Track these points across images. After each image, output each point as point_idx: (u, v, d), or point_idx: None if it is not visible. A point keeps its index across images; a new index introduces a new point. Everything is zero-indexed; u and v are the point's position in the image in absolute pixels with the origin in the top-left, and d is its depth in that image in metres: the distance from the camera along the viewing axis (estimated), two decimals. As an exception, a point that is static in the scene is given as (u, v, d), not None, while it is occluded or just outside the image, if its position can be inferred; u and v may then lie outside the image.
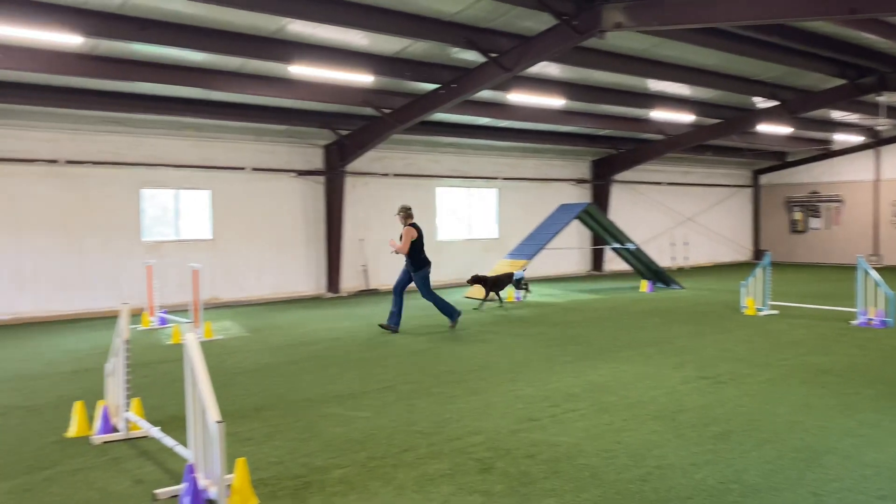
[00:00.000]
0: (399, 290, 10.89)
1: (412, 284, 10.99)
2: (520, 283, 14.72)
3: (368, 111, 14.86)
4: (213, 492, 4.14)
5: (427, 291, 10.89)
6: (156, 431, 5.24)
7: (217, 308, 14.49)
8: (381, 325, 11.00)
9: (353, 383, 7.44)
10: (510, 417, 6.02)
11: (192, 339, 4.37)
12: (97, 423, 5.63)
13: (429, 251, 17.76)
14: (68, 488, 4.55)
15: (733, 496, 4.25)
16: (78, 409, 5.80)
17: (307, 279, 16.68)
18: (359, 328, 11.35)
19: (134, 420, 5.55)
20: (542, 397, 6.68)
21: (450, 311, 11.05)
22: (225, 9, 9.65)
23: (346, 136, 15.88)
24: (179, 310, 13.63)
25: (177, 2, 9.55)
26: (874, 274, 10.72)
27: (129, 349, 5.56)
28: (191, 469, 4.15)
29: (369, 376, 7.77)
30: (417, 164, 18.50)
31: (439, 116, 16.04)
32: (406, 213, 11.06)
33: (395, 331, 10.71)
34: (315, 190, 16.72)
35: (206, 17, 10.17)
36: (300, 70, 11.81)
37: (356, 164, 16.85)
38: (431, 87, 13.59)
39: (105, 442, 5.49)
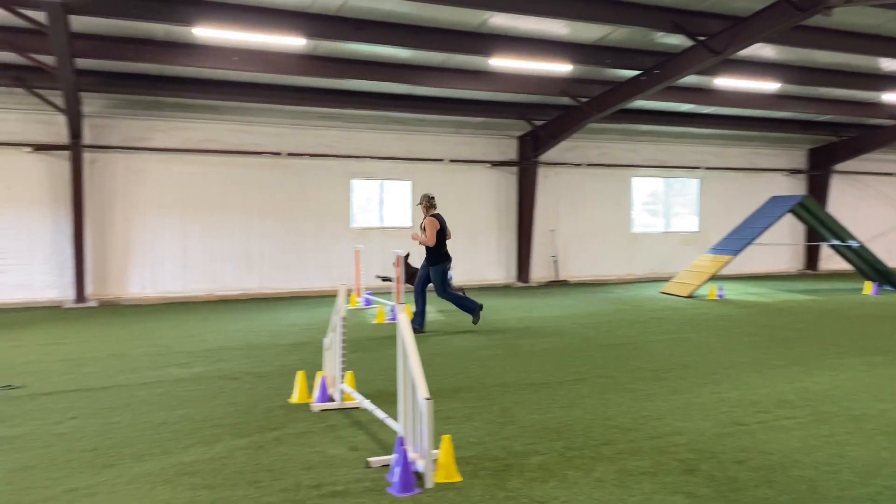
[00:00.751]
0: (421, 288, 10.03)
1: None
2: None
3: (564, 101, 14.77)
4: (420, 465, 4.38)
5: (442, 289, 9.85)
6: (368, 403, 5.64)
7: (412, 292, 15.18)
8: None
9: (546, 373, 7.48)
10: (714, 420, 5.72)
11: (404, 320, 4.64)
12: (316, 392, 6.17)
13: (622, 243, 17.23)
14: (293, 449, 5.03)
15: None
16: (300, 378, 6.40)
17: (497, 268, 16.98)
18: (549, 318, 11.37)
19: (348, 391, 6.01)
20: (750, 402, 6.27)
21: (470, 307, 10.01)
22: (433, 6, 10.06)
23: (540, 127, 15.91)
24: (382, 292, 14.50)
25: (390, 1, 10.10)
26: None
27: (345, 326, 6.02)
28: (401, 441, 4.42)
29: (561, 367, 7.76)
30: (612, 154, 18.07)
31: (638, 104, 15.53)
32: (429, 203, 10.02)
33: (421, 331, 9.88)
34: (508, 180, 16.95)
35: (415, 15, 10.67)
36: (500, 62, 12.01)
37: (549, 155, 16.84)
38: (632, 73, 13.20)
39: (323, 410, 6.00)
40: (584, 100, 14.25)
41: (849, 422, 5.67)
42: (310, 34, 10.60)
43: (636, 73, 13.03)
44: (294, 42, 10.80)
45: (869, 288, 14.90)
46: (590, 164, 17.78)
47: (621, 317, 11.56)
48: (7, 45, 10.50)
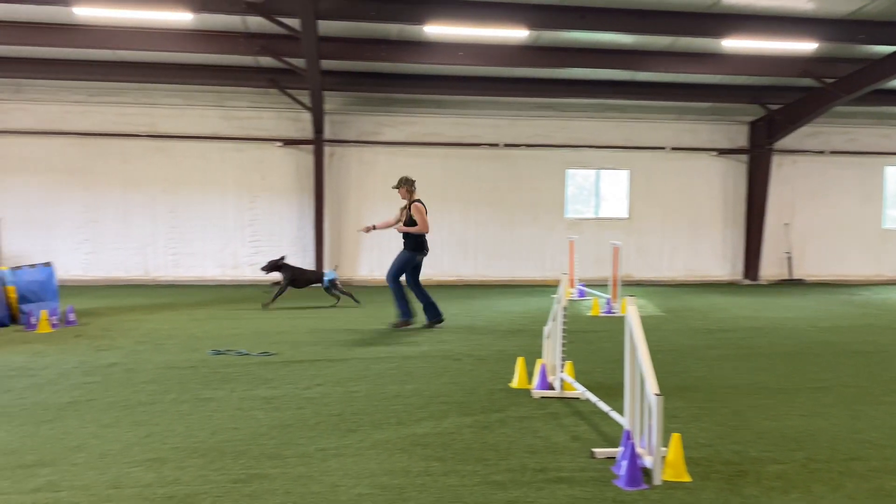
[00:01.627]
0: (416, 282, 9.37)
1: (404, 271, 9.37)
2: (331, 288, 11.36)
3: (806, 82, 13.48)
4: (647, 461, 4.27)
5: (396, 275, 9.16)
6: (590, 394, 5.61)
7: (629, 286, 14.82)
8: (428, 324, 9.46)
9: (782, 378, 6.92)
10: None
11: (633, 311, 4.54)
12: (535, 378, 6.26)
13: (871, 240, 15.46)
14: (516, 432, 5.16)
15: None
16: (520, 364, 6.53)
17: (722, 263, 15.98)
18: (782, 319, 10.49)
19: (568, 381, 6.03)
20: None
21: (405, 311, 9.30)
22: (660, -12, 9.69)
23: (776, 111, 14.67)
24: (594, 284, 14.32)
25: (615, -13, 9.90)
26: None
27: (566, 316, 6.03)
28: (628, 435, 4.34)
29: (799, 372, 7.13)
30: (861, 140, 16.18)
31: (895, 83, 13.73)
32: (411, 187, 9.22)
33: (440, 320, 9.40)
34: (736, 169, 15.86)
35: (641, 0, 10.34)
36: (732, 44, 11.26)
37: (785, 142, 15.48)
38: (889, 49, 11.68)
39: (542, 397, 6.07)
40: (830, 80, 12.88)
41: None
42: (533, 25, 10.71)
43: (895, 48, 11.51)
44: (517, 34, 10.98)
45: None
46: (833, 152, 16.07)
47: (870, 321, 10.36)
48: (266, 50, 11.83)
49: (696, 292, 13.96)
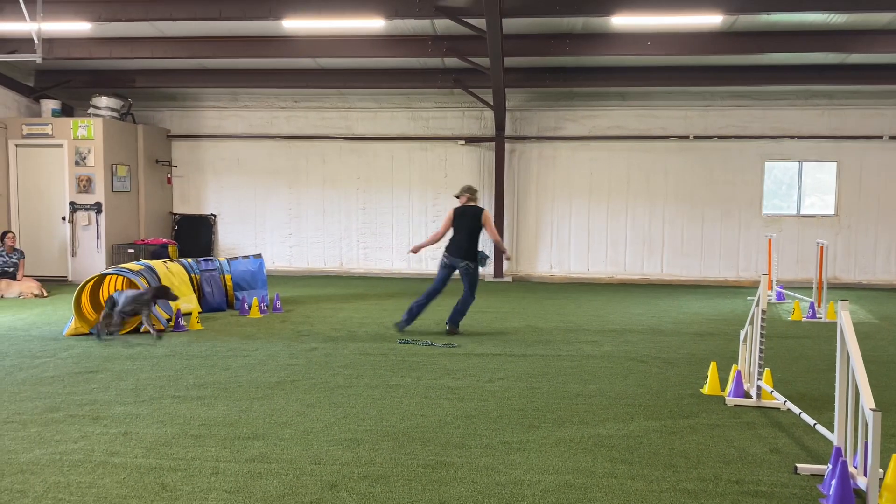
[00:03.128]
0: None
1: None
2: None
3: None
4: (861, 482, 3.88)
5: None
6: (792, 406, 5.20)
7: (836, 289, 13.49)
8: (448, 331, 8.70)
9: None
10: None
11: (846, 316, 4.14)
12: (730, 385, 5.90)
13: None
14: (708, 440, 4.90)
15: None
16: (712, 369, 6.19)
17: (952, 266, 14.05)
18: None
19: (767, 389, 5.62)
20: None
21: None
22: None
23: None
24: (796, 286, 13.21)
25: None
26: None
27: (766, 319, 5.62)
28: (839, 452, 3.97)
29: None
30: None
31: None
32: (473, 195, 8.88)
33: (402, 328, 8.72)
34: (972, 159, 13.85)
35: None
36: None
37: None
38: None
39: (737, 405, 5.71)
40: None
41: None
42: (728, 9, 10.06)
43: None
44: (710, 20, 10.37)
45: None
46: None
47: None
48: (452, 51, 12.16)
49: (918, 298, 12.40)
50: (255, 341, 8.19)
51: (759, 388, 5.69)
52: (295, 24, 11.13)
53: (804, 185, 14.53)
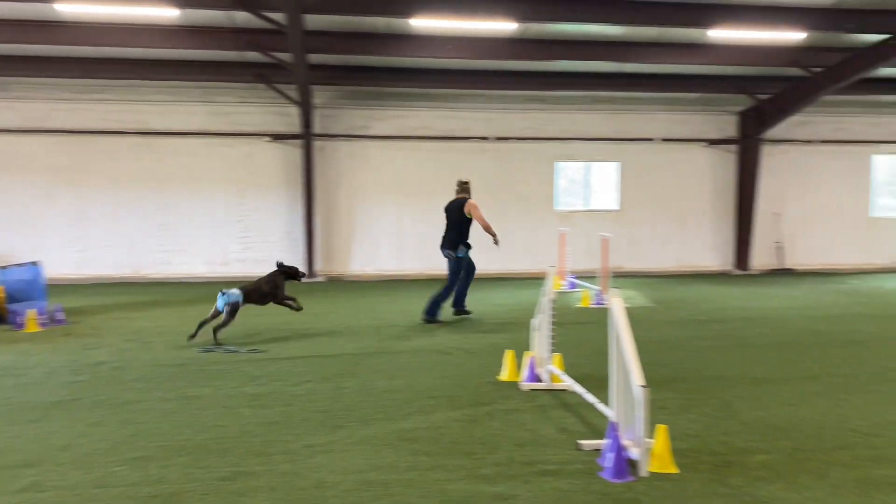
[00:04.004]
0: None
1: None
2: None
3: (794, 72, 13.48)
4: (634, 452, 4.28)
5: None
6: (577, 387, 5.62)
7: (621, 277, 14.84)
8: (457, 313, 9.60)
9: (770, 368, 6.94)
10: (981, 433, 4.96)
11: (618, 303, 4.54)
12: (524, 371, 6.26)
13: (859, 229, 15.52)
14: (504, 425, 5.16)
15: None
16: (508, 357, 6.53)
17: (712, 254, 16.02)
18: (772, 309, 10.52)
19: (556, 373, 6.03)
20: None
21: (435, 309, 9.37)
22: (647, -22, 9.66)
23: (765, 101, 14.68)
24: (586, 276, 14.33)
25: (602, -22, 9.87)
26: None
27: (555, 308, 6.03)
28: (614, 427, 4.35)
29: (788, 362, 7.16)
30: (850, 129, 16.21)
31: (882, 71, 13.76)
32: (463, 187, 9.71)
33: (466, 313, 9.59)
34: (726, 160, 15.88)
35: (628, -10, 10.32)
36: (720, 34, 11.25)
37: (774, 131, 15.49)
38: (877, 38, 11.70)
39: (531, 389, 6.08)
40: (818, 70, 12.90)
41: None
42: (521, 17, 10.68)
43: (883, 36, 11.53)
44: (505, 27, 10.94)
45: None
46: (822, 141, 16.10)
47: (859, 311, 10.40)
48: (252, 45, 11.76)
49: (687, 283, 14.00)
50: (31, 358, 7.37)
51: (549, 372, 6.09)
52: (71, 8, 10.15)
53: (593, 183, 15.83)
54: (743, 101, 15.24)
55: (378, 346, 7.97)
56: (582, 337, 8.45)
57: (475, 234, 9.41)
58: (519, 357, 6.81)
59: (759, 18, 10.95)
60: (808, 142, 16.02)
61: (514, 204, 15.34)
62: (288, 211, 14.74)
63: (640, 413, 4.20)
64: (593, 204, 15.84)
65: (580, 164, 15.75)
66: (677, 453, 4.53)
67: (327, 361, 7.19)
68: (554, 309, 6.04)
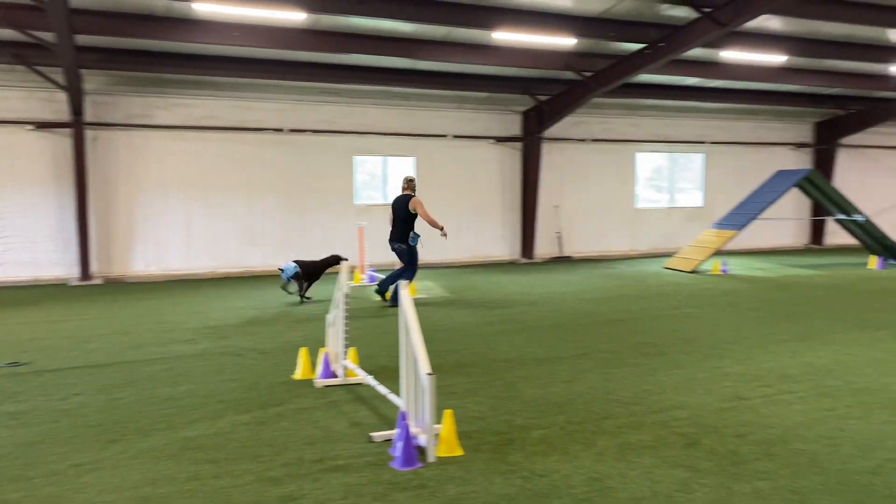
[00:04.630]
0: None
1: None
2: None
3: (568, 75, 14.63)
4: (422, 439, 4.40)
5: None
6: (371, 379, 5.66)
7: (420, 269, 15.22)
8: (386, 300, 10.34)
9: (549, 348, 7.49)
10: (716, 395, 5.73)
11: (406, 295, 4.63)
12: (319, 368, 6.19)
13: (626, 219, 17.26)
14: (295, 424, 5.06)
15: None
16: (302, 354, 6.42)
17: (503, 244, 16.96)
18: (553, 294, 11.37)
19: (351, 367, 6.03)
20: (753, 376, 6.28)
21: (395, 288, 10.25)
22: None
23: (544, 102, 15.78)
24: (386, 268, 14.52)
25: (390, -26, 9.98)
26: None
27: (349, 303, 6.02)
28: (403, 416, 4.44)
29: (565, 342, 7.77)
30: (616, 129, 17.93)
31: (642, 78, 15.38)
32: (409, 184, 10.32)
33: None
34: (512, 156, 16.86)
35: (416, -12, 10.54)
36: (503, 36, 11.87)
37: (553, 130, 16.72)
38: (637, 47, 13.04)
39: (326, 386, 6.03)
40: (588, 74, 14.11)
41: (851, 396, 5.68)
42: (310, 8, 10.49)
43: (641, 46, 12.88)
44: (295, 16, 10.70)
45: (874, 262, 14.85)
46: (594, 140, 17.66)
47: (625, 292, 11.56)
48: (5, 21, 10.42)
49: (480, 272, 14.70)
50: None
51: (344, 367, 6.08)
52: None
53: (392, 178, 16.04)
54: (526, 102, 16.26)
55: (162, 351, 7.45)
56: (380, 329, 8.53)
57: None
58: (314, 354, 6.73)
59: (537, 23, 11.72)
60: (582, 140, 17.49)
61: (313, 198, 15.12)
62: (57, 207, 13.29)
63: (428, 400, 4.32)
64: (391, 198, 16.04)
65: (377, 159, 15.89)
66: (464, 436, 4.73)
67: (102, 371, 6.59)
68: (348, 303, 6.03)
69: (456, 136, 16.25)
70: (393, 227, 10.11)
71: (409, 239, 9.93)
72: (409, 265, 10.08)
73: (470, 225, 16.56)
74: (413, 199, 9.97)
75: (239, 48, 12.35)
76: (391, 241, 10.12)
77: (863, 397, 5.62)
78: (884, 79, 16.51)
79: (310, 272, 10.68)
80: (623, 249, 18.12)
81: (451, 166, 16.30)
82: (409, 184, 10.26)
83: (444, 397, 5.62)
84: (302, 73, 13.78)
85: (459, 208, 16.44)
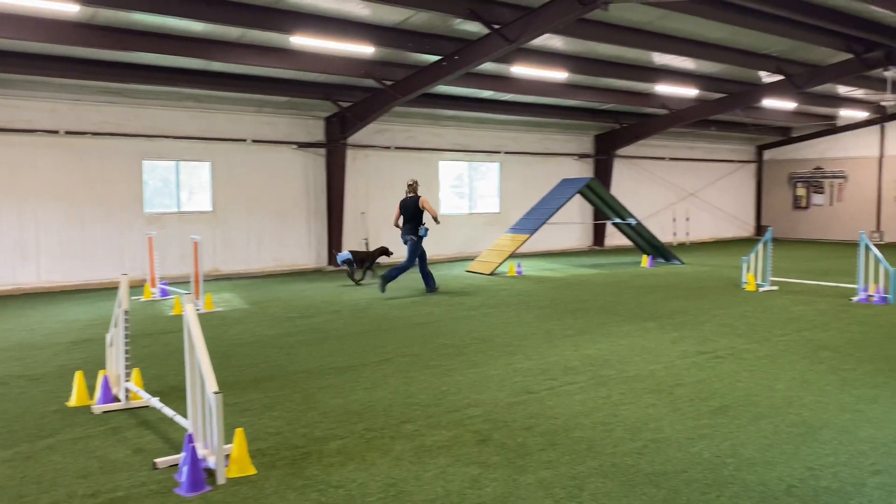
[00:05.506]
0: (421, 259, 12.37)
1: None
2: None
3: (370, 83, 14.74)
4: (211, 461, 4.17)
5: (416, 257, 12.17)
6: (155, 401, 5.28)
7: (218, 280, 14.54)
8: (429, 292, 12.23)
9: (352, 356, 7.47)
10: (508, 390, 6.05)
11: (190, 311, 4.37)
12: (98, 392, 5.66)
13: (430, 225, 17.97)
14: (68, 456, 4.59)
15: (728, 469, 4.28)
16: (78, 378, 5.83)
17: (308, 252, 16.69)
18: (359, 301, 11.37)
19: (134, 390, 5.58)
20: (541, 370, 6.71)
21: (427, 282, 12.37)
22: (224, -23, 9.53)
23: (347, 108, 15.77)
24: (180, 281, 13.68)
25: (175, -30, 9.42)
26: (875, 250, 10.71)
27: (129, 320, 5.57)
28: (190, 439, 4.18)
29: (368, 349, 7.80)
30: (419, 137, 18.40)
31: (441, 89, 15.93)
32: (412, 187, 12.31)
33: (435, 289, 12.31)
34: (316, 162, 16.66)
35: (206, -14, 10.05)
36: (301, 41, 11.68)
37: (357, 137, 16.77)
38: (433, 58, 13.46)
39: (105, 412, 5.53)
40: (389, 83, 14.32)
41: (623, 383, 6.25)
42: (83, 0, 9.61)
43: (437, 58, 13.31)
44: (67, 7, 9.73)
45: (645, 261, 16.55)
46: (398, 148, 17.96)
47: (428, 296, 11.85)
48: None
49: (284, 282, 14.33)
50: None
51: (127, 389, 5.61)
52: None
53: (187, 184, 15.13)
54: (328, 108, 16.14)
55: None
56: (171, 347, 8.00)
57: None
58: (92, 378, 6.15)
59: (335, 30, 11.67)
60: (387, 148, 17.72)
61: (95, 205, 13.83)
62: None
63: (216, 420, 4.10)
64: (185, 206, 15.16)
65: (170, 164, 14.92)
66: (258, 454, 4.56)
67: None
68: (128, 320, 5.57)
69: (255, 141, 15.73)
70: (403, 223, 12.06)
71: (420, 231, 11.92)
72: (412, 256, 11.93)
73: (273, 232, 16.11)
74: (421, 199, 11.95)
75: (3, 40, 11.00)
76: (403, 234, 12.07)
77: (633, 384, 6.22)
78: (650, 97, 18.50)
79: (361, 258, 13.45)
80: (430, 254, 18.60)
81: (252, 172, 15.75)
82: (413, 187, 12.12)
83: (238, 415, 5.39)
84: (78, 70, 12.56)
85: (261, 215, 15.93)
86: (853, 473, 4.21)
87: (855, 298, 10.79)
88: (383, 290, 11.73)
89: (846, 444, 4.68)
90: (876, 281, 10.87)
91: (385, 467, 4.37)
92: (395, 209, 12.30)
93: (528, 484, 4.10)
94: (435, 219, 12.18)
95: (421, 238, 11.94)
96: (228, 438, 4.33)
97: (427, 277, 12.30)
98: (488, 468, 4.34)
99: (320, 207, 16.73)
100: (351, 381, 6.42)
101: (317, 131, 16.57)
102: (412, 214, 12.00)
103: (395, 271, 11.87)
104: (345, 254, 13.26)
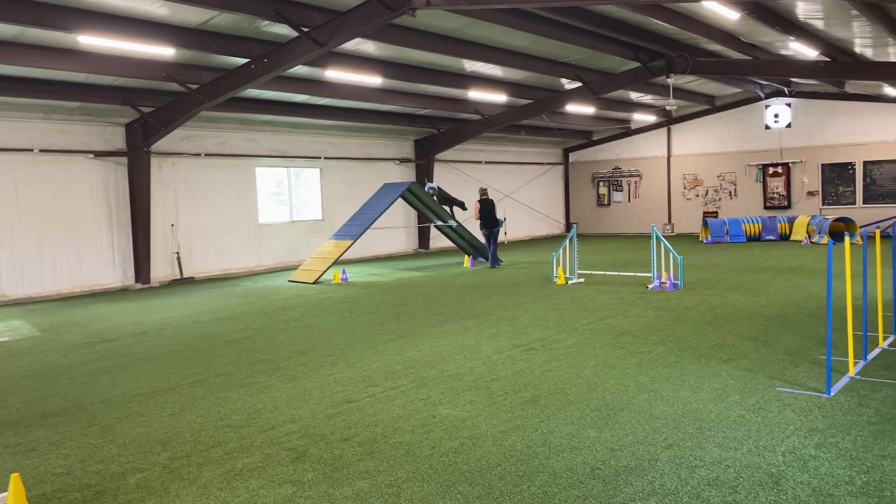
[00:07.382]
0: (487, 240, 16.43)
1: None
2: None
3: (173, 87, 13.87)
4: (-22, 516, 3.64)
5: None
6: None
7: (5, 306, 12.98)
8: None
9: (159, 380, 6.94)
10: (327, 402, 5.89)
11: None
12: None
13: (249, 235, 17.21)
14: None
15: (539, 459, 4.44)
16: None
17: (112, 270, 15.36)
18: (169, 320, 10.63)
19: None
20: (362, 378, 6.62)
21: (493, 259, 16.38)
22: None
23: (149, 114, 14.71)
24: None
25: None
26: (665, 241, 11.77)
27: None
28: (-51, 494, 3.61)
29: (177, 371, 7.28)
30: (232, 144, 17.62)
31: (254, 93, 15.38)
32: (485, 192, 16.68)
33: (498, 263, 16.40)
34: (117, 172, 15.40)
35: (-32, -24, 8.90)
36: (91, 41, 10.72)
37: (163, 144, 15.73)
38: (242, 61, 12.94)
39: None
40: (195, 86, 13.55)
41: (443, 382, 6.33)
42: None
43: (245, 60, 12.80)
44: None
45: (467, 261, 17.05)
46: (209, 154, 17.07)
47: (247, 310, 11.35)
48: None
49: (83, 304, 13.07)
50: None
51: None
52: None
53: (-44, 200, 13.33)
54: (128, 113, 14.97)
55: None
56: (-62, 387, 6.95)
57: None
58: None
59: (129, 30, 10.81)
60: (196, 155, 16.77)
61: None
62: None
63: (-19, 469, 3.58)
64: (-40, 225, 13.35)
65: (-64, 178, 13.07)
66: (42, 499, 4.07)
67: None
68: None
69: (44, 151, 14.22)
70: (483, 219, 16.00)
71: (500, 224, 16.19)
72: (493, 242, 16.15)
73: (69, 251, 14.64)
74: (492, 202, 16.22)
75: None
76: (482, 227, 16.18)
77: (452, 383, 6.31)
78: (464, 103, 19.10)
79: (444, 197, 18.76)
80: (249, 266, 17.87)
81: (41, 185, 14.21)
82: (486, 192, 16.58)
83: (20, 457, 4.79)
84: None
85: (54, 233, 14.42)
86: (648, 450, 4.53)
87: (650, 286, 11.79)
88: (498, 264, 16.25)
89: (643, 423, 5.04)
90: (668, 269, 11.95)
91: (190, 498, 4.05)
92: (475, 207, 16.34)
93: (343, 497, 3.99)
94: (497, 219, 16.23)
95: (499, 224, 16.18)
96: (3, 486, 3.80)
97: (492, 255, 16.24)
98: (303, 486, 4.17)
99: (124, 221, 15.47)
100: (156, 408, 5.94)
101: (116, 139, 15.32)
102: (489, 214, 15.96)
103: (492, 254, 16.19)
104: (433, 185, 18.47)
